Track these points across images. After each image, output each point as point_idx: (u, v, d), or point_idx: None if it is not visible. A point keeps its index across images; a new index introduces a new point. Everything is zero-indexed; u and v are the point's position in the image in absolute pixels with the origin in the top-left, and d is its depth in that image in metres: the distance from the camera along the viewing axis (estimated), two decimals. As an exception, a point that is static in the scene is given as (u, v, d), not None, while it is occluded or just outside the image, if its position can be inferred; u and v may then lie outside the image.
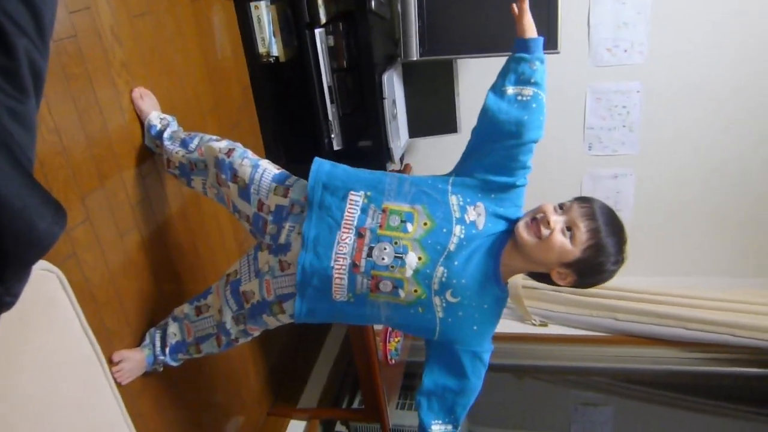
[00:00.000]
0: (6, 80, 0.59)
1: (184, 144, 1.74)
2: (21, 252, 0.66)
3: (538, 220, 1.34)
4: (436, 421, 1.53)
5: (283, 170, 1.61)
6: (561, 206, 1.36)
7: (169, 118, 1.84)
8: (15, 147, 0.61)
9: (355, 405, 2.92)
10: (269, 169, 1.58)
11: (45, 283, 0.98)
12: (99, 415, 1.17)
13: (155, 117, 1.81)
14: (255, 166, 1.58)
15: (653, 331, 2.91)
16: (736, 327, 2.75)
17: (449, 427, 1.55)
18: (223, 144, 1.66)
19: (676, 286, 2.96)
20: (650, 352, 3.01)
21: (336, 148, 2.55)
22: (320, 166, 1.49)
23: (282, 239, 1.49)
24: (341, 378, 3.09)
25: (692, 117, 2.83)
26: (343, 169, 1.50)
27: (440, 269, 1.35)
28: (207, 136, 1.73)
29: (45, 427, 0.95)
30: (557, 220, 1.33)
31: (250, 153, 1.63)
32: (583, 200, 1.36)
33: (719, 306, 2.81)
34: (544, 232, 1.32)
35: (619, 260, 1.34)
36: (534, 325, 3.13)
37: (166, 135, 1.77)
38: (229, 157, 1.60)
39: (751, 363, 2.85)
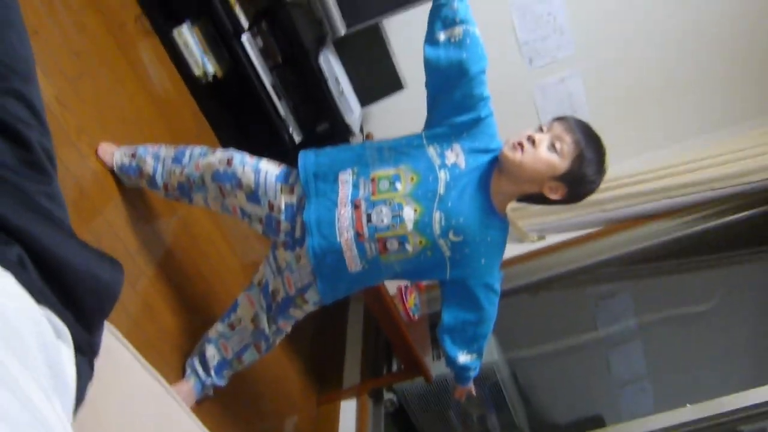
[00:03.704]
0: (32, 170, 0.68)
1: (177, 160, 1.74)
2: (99, 304, 0.75)
3: (522, 140, 1.42)
4: (462, 352, 1.66)
5: (283, 167, 1.65)
6: (541, 128, 1.45)
7: (131, 148, 1.83)
8: (59, 221, 0.70)
9: (394, 368, 3.03)
10: (271, 170, 1.62)
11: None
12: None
13: (119, 155, 1.82)
14: (257, 171, 1.62)
15: (641, 210, 3.04)
16: (712, 181, 2.88)
17: (474, 355, 1.69)
18: (219, 155, 1.68)
19: (648, 162, 3.07)
20: (645, 230, 3.14)
21: (297, 140, 2.62)
22: (306, 159, 1.57)
23: (297, 233, 1.57)
24: (374, 348, 3.18)
25: None
26: (326, 154, 1.58)
27: (437, 214, 1.44)
28: (197, 149, 1.74)
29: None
30: (542, 137, 1.42)
31: (247, 157, 1.66)
32: (561, 118, 1.46)
33: (691, 168, 2.93)
34: (528, 145, 1.41)
35: (602, 169, 1.45)
36: (533, 241, 3.24)
37: (150, 160, 1.77)
38: (230, 166, 1.63)
39: (736, 209, 3.00)
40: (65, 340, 0.71)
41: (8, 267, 0.62)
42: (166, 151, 1.80)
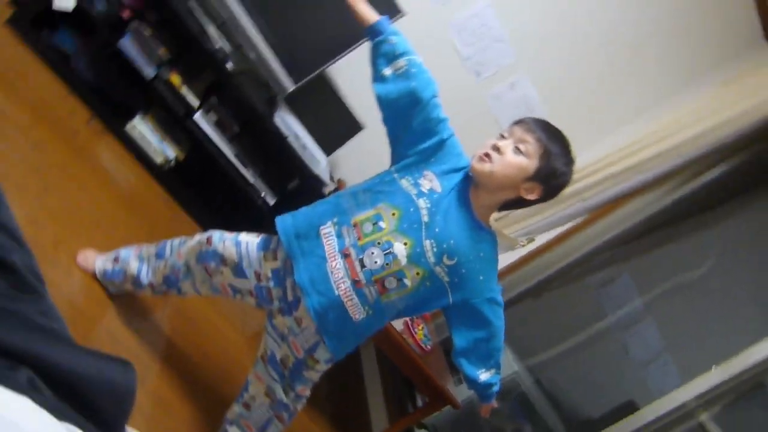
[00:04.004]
0: (22, 291, 0.68)
1: (160, 255, 1.74)
2: (118, 407, 0.75)
3: (487, 151, 1.46)
4: (481, 370, 1.66)
5: (263, 235, 1.65)
6: (503, 135, 1.49)
7: (112, 253, 1.83)
8: (59, 335, 0.71)
9: (420, 403, 3.00)
10: (251, 241, 1.62)
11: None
12: None
13: (101, 263, 1.82)
14: (237, 244, 1.61)
15: (618, 191, 3.08)
16: (678, 147, 2.92)
17: (493, 371, 1.69)
18: (198, 238, 1.69)
19: (614, 143, 3.11)
20: (627, 210, 3.19)
21: (272, 203, 2.63)
22: (284, 223, 1.57)
23: (290, 297, 1.55)
24: (394, 388, 3.15)
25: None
26: (303, 214, 1.58)
27: (427, 242, 1.45)
28: (176, 241, 1.75)
29: None
30: (505, 143, 1.46)
31: (226, 233, 1.66)
32: (519, 121, 1.50)
33: (656, 138, 2.97)
34: (495, 154, 1.45)
35: (570, 160, 1.49)
36: (523, 246, 3.25)
37: (134, 262, 1.77)
38: (210, 245, 1.63)
39: (708, 168, 3.07)
40: None
41: (21, 390, 0.62)
42: (147, 250, 1.80)
